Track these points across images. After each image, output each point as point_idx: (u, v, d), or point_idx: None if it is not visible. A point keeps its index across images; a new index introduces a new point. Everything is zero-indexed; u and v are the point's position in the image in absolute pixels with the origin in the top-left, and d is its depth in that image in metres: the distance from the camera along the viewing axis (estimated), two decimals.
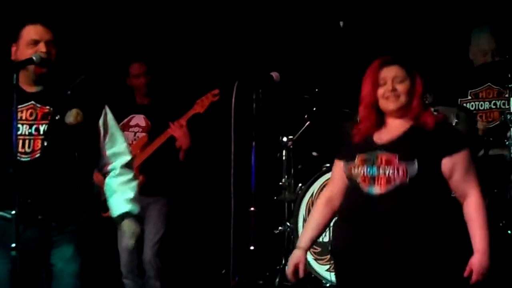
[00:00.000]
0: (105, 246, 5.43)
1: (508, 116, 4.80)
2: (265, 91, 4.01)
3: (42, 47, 3.49)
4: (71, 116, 3.52)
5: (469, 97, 5.41)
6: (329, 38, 5.87)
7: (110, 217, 3.72)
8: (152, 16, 6.26)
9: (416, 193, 3.29)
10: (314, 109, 5.35)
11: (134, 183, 3.71)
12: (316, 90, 5.41)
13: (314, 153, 5.52)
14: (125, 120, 5.37)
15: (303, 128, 5.34)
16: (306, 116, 5.36)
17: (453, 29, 5.92)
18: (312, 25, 6.10)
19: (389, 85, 3.41)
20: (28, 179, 3.38)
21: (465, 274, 3.25)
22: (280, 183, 5.32)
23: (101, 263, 5.38)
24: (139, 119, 5.41)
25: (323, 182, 5.07)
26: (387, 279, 3.28)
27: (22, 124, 3.49)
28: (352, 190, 3.44)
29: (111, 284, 5.49)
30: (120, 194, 3.66)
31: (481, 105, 5.38)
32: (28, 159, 3.46)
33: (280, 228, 5.24)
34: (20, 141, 3.46)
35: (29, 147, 3.48)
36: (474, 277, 3.25)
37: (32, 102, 3.53)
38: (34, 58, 3.44)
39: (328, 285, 4.95)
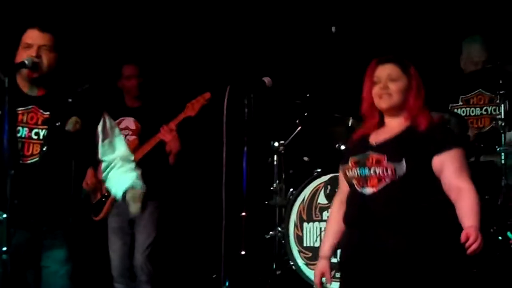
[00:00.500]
0: (96, 250, 5.42)
1: (499, 123, 4.82)
2: (257, 96, 4.01)
3: (32, 51, 3.48)
4: (70, 124, 3.52)
5: (460, 103, 5.41)
6: (321, 44, 5.88)
7: (100, 220, 3.70)
8: (145, 19, 6.26)
9: (407, 191, 3.28)
10: (306, 114, 5.36)
11: (138, 172, 3.70)
12: (308, 95, 5.42)
13: (306, 158, 5.52)
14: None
15: (294, 133, 5.35)
16: (297, 121, 5.36)
17: (444, 35, 5.93)
18: (304, 31, 6.11)
19: (382, 83, 3.39)
20: (24, 182, 3.38)
21: (462, 240, 3.13)
22: (272, 188, 5.33)
23: (92, 267, 5.38)
24: (128, 122, 5.40)
25: (315, 187, 5.07)
26: (387, 279, 3.27)
27: (23, 127, 3.49)
28: (351, 192, 3.45)
29: None
30: (123, 178, 3.64)
31: (472, 111, 5.39)
32: (26, 162, 3.46)
33: (271, 233, 5.24)
34: (19, 144, 3.46)
35: (28, 150, 3.48)
36: (471, 242, 3.11)
37: (34, 106, 3.53)
38: (26, 61, 3.44)
39: None
